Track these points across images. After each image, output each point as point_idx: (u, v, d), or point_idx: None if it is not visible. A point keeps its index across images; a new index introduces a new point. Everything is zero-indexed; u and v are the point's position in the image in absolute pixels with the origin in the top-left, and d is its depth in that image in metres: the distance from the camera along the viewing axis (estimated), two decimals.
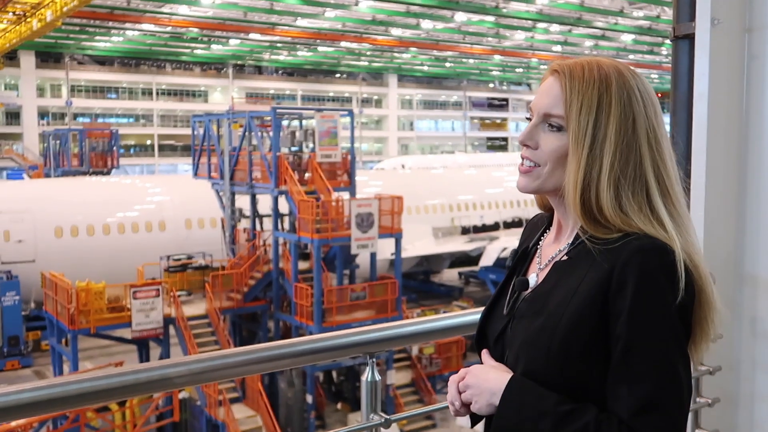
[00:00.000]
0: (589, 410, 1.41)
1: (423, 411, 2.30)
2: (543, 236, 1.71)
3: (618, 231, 1.47)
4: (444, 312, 18.98)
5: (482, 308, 1.76)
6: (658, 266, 1.42)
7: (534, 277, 1.62)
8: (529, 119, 1.59)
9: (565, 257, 1.57)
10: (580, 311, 1.45)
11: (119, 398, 1.81)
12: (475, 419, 1.61)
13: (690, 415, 2.67)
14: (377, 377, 2.02)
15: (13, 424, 15.60)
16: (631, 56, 56.79)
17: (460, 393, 1.55)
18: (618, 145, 1.48)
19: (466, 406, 1.55)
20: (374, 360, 2.04)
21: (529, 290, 1.61)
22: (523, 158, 1.57)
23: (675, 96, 2.86)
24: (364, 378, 2.01)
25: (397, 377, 21.36)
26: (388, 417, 1.99)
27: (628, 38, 47.98)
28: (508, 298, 1.65)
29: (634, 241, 1.44)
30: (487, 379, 1.50)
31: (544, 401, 1.42)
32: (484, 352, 1.62)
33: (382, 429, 2.01)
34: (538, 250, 1.69)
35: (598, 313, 1.44)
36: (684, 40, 2.79)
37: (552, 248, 1.65)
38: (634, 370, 1.40)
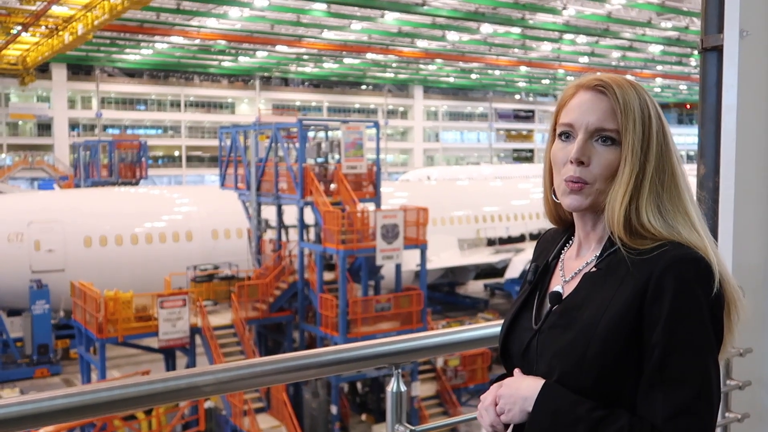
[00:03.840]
0: (622, 415, 1.43)
1: (448, 423, 2.29)
2: (563, 250, 1.72)
3: (653, 240, 1.50)
4: (469, 324, 18.87)
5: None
6: (695, 276, 1.45)
7: (560, 289, 1.63)
8: (563, 136, 1.59)
9: (594, 269, 1.58)
10: (615, 320, 1.47)
11: (148, 406, 1.83)
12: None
13: (719, 431, 2.63)
14: (402, 388, 2.03)
15: (41, 431, 15.78)
16: (659, 67, 56.34)
17: (498, 415, 1.55)
18: (657, 155, 1.53)
19: (506, 426, 1.55)
20: (400, 371, 2.05)
21: (560, 303, 1.61)
22: (572, 179, 1.55)
23: (703, 108, 2.84)
24: (389, 389, 2.02)
25: (422, 389, 21.26)
26: (413, 428, 1.99)
27: (656, 49, 47.59)
28: (534, 311, 1.65)
29: (670, 251, 1.47)
30: (519, 387, 1.52)
31: (578, 407, 1.44)
32: (516, 370, 1.62)
33: None
34: (560, 264, 1.70)
35: (633, 322, 1.46)
36: (712, 52, 2.77)
37: (577, 261, 1.66)
38: (669, 376, 1.43)
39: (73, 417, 1.66)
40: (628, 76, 1.63)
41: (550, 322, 1.58)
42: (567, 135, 1.59)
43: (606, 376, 1.47)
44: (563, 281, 1.65)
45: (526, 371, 1.60)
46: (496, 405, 1.55)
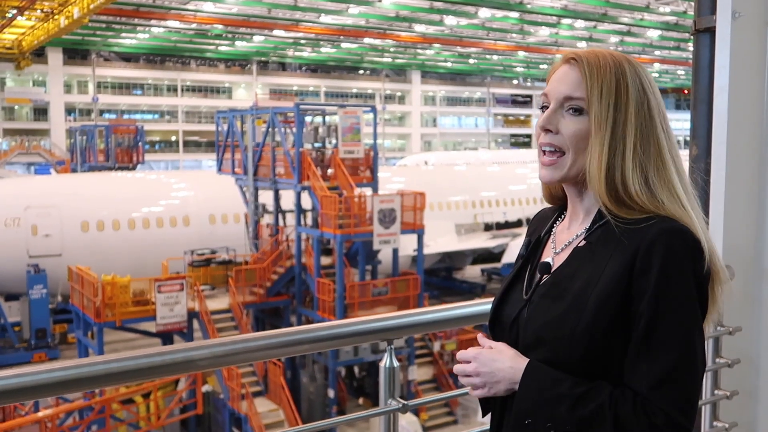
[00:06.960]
0: (604, 389, 1.46)
1: (440, 397, 2.31)
2: (555, 224, 1.76)
3: (641, 211, 1.53)
4: None
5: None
6: (682, 248, 1.48)
7: (550, 260, 1.67)
8: (544, 108, 1.63)
9: (583, 242, 1.62)
10: (606, 293, 1.50)
11: (144, 379, 1.86)
12: (485, 409, 1.68)
13: (708, 408, 2.67)
14: (395, 364, 2.06)
15: (40, 414, 15.87)
16: (657, 52, 56.14)
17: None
18: (638, 127, 1.55)
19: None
20: (392, 347, 2.08)
21: (549, 274, 1.64)
22: (542, 146, 1.61)
23: (696, 90, 2.85)
24: (382, 364, 2.05)
25: (419, 373, 21.36)
26: (405, 402, 2.02)
27: (654, 34, 47.47)
28: (525, 282, 1.69)
29: (658, 223, 1.50)
30: (501, 368, 1.55)
31: (560, 385, 1.47)
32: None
33: (399, 414, 2.04)
34: (552, 237, 1.74)
35: (622, 293, 1.49)
36: (705, 34, 2.78)
37: (567, 234, 1.69)
38: (654, 346, 1.46)
39: (70, 389, 1.69)
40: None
41: (540, 292, 1.61)
42: (545, 106, 1.63)
43: (595, 346, 1.49)
44: (554, 253, 1.68)
45: (512, 341, 1.62)
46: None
